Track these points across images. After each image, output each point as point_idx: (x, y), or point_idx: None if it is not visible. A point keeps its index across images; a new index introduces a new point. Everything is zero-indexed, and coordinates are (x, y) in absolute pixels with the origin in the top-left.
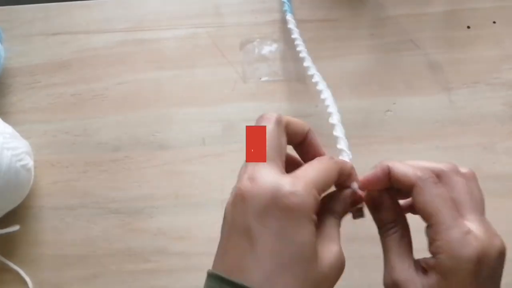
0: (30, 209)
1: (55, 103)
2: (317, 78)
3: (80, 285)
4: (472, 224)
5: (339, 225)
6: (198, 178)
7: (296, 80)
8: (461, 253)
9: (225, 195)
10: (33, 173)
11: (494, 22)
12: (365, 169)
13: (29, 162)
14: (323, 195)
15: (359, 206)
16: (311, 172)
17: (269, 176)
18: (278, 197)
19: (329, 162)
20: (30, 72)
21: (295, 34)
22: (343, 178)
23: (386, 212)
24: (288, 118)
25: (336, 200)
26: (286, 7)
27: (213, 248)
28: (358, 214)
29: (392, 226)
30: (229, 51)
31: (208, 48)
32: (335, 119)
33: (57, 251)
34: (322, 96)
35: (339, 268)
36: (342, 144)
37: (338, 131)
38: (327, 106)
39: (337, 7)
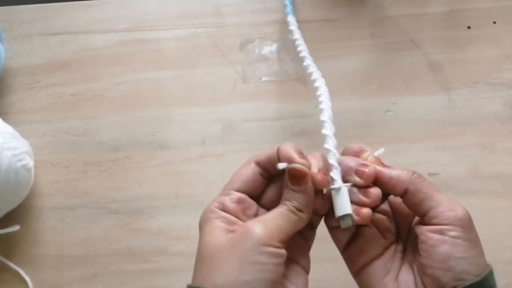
0: (30, 209)
1: (55, 103)
2: (316, 75)
3: (80, 285)
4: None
5: (285, 208)
6: (198, 178)
7: (296, 80)
8: (468, 216)
9: None
10: (33, 173)
11: (494, 22)
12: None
13: (29, 162)
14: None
15: (346, 213)
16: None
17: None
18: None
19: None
20: (30, 72)
21: (296, 35)
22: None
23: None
24: (261, 155)
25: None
26: (288, 9)
27: None
28: (346, 222)
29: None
30: (229, 51)
31: (208, 48)
32: (325, 116)
33: (57, 251)
34: (318, 93)
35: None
36: (330, 144)
37: (327, 129)
38: (320, 103)
39: (337, 7)
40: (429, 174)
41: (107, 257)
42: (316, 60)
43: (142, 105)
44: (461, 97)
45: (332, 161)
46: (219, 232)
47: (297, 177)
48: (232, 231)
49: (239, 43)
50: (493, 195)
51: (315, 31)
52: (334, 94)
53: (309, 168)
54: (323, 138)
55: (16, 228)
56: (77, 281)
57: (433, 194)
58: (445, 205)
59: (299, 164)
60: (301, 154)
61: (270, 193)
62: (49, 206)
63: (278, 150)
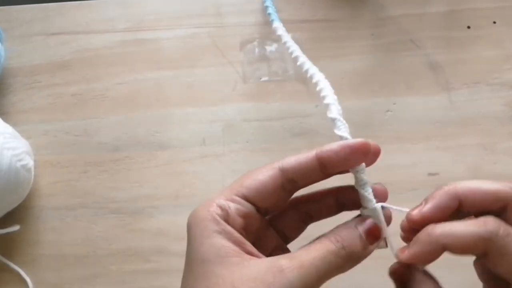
0: (30, 209)
1: (55, 103)
2: (312, 70)
3: (80, 285)
4: None
5: (331, 249)
6: (198, 178)
7: (296, 80)
8: None
9: None
10: (33, 173)
11: (494, 22)
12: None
13: (29, 162)
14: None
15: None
16: (233, 183)
17: None
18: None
19: (265, 166)
20: (30, 72)
21: (286, 38)
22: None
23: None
24: (291, 160)
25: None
26: (273, 17)
27: None
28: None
29: None
30: (229, 51)
31: (208, 48)
32: (334, 112)
33: (57, 251)
34: (318, 88)
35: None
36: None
37: (342, 130)
38: (324, 97)
39: (337, 7)
40: (429, 174)
41: (107, 257)
42: (316, 60)
43: (143, 105)
44: (461, 97)
45: (362, 174)
46: (223, 253)
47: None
48: (238, 253)
49: (239, 43)
50: None
51: (315, 31)
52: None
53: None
54: (338, 139)
55: (16, 228)
56: (77, 281)
57: None
58: None
59: (373, 144)
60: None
61: (292, 215)
62: (49, 206)
63: (318, 153)
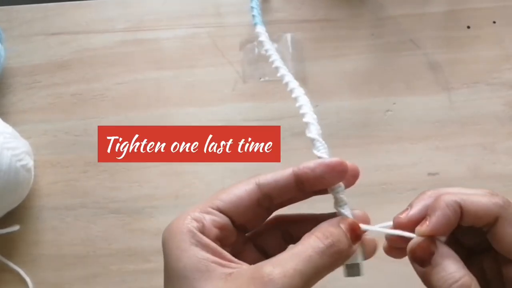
0: (30, 209)
1: (55, 103)
2: (288, 78)
3: (80, 285)
4: None
5: (324, 253)
6: (198, 178)
7: (296, 80)
8: None
9: None
10: (33, 173)
11: (494, 22)
12: (366, 169)
13: (29, 162)
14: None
15: (356, 262)
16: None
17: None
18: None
19: (245, 180)
20: (30, 72)
21: (268, 45)
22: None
23: (456, 265)
24: (268, 176)
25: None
26: (256, 20)
27: None
28: (353, 270)
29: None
30: (229, 51)
31: (208, 48)
32: (313, 131)
33: (57, 251)
34: (298, 104)
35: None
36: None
37: (319, 148)
38: (303, 115)
39: (337, 7)
40: (429, 174)
41: (107, 257)
42: (316, 60)
43: (143, 105)
44: (461, 97)
45: (340, 195)
46: (202, 267)
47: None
48: (218, 265)
49: (239, 43)
50: None
51: (315, 31)
52: (334, 94)
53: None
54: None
55: (16, 228)
56: (77, 281)
57: None
58: None
59: (343, 163)
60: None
61: (274, 233)
62: (49, 206)
63: (295, 171)
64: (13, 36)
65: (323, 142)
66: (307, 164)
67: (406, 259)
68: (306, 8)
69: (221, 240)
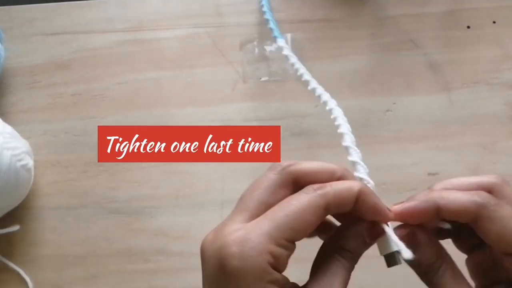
0: (30, 209)
1: (55, 103)
2: (325, 97)
3: (80, 285)
4: None
5: (348, 268)
6: (198, 178)
7: (296, 80)
8: None
9: (225, 195)
10: (33, 173)
11: (494, 22)
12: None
13: (29, 162)
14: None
15: (394, 250)
16: (271, 219)
17: (225, 231)
18: (221, 260)
19: (308, 199)
20: (30, 72)
21: (293, 59)
22: (359, 207)
23: (430, 249)
24: (305, 171)
25: (346, 236)
26: (275, 33)
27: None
28: (393, 260)
29: (440, 264)
30: (229, 51)
31: (208, 48)
32: (348, 140)
33: (57, 251)
34: (333, 116)
35: None
36: (362, 172)
37: (354, 155)
38: (339, 126)
39: (337, 7)
40: (429, 174)
41: (107, 257)
42: (316, 60)
43: (142, 105)
44: (461, 97)
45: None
46: None
47: (380, 233)
48: None
49: (238, 43)
50: None
51: (315, 31)
52: (334, 94)
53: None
54: (351, 164)
55: (16, 228)
56: (77, 281)
57: None
58: None
59: (392, 219)
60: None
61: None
62: (49, 206)
63: (360, 197)
64: (13, 36)
65: (358, 150)
66: (372, 196)
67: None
68: (306, 8)
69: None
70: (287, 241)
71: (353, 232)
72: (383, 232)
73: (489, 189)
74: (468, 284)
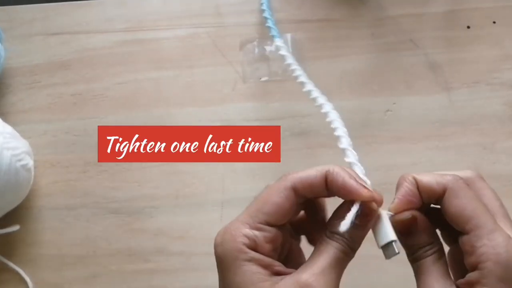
0: (30, 209)
1: (55, 103)
2: (320, 100)
3: (80, 285)
4: (508, 230)
5: (339, 248)
6: (198, 178)
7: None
8: (510, 258)
9: (225, 195)
10: (33, 173)
11: (494, 22)
12: (366, 169)
13: (29, 162)
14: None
15: (391, 239)
16: (247, 209)
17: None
18: (214, 251)
19: (275, 184)
20: (30, 72)
21: (290, 60)
22: (330, 187)
23: (423, 235)
24: (302, 180)
25: (332, 217)
26: (273, 32)
27: (213, 248)
28: (391, 250)
29: (429, 248)
30: (229, 51)
31: (208, 48)
32: (345, 143)
33: (57, 251)
34: (328, 119)
35: None
36: (358, 171)
37: (351, 157)
38: (335, 129)
39: (337, 7)
40: None
41: (107, 257)
42: (316, 60)
43: (142, 105)
44: (461, 97)
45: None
46: (255, 280)
47: (368, 214)
48: (269, 276)
49: (238, 43)
50: None
51: (315, 31)
52: (334, 94)
53: (379, 200)
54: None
55: (16, 228)
56: (77, 281)
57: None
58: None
59: (367, 196)
60: (357, 180)
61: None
62: (49, 206)
63: (328, 177)
64: (13, 36)
65: (354, 152)
66: (343, 182)
67: (406, 260)
68: (306, 8)
69: (274, 249)
70: (263, 224)
71: (337, 213)
72: (372, 213)
73: (464, 181)
74: (449, 273)
